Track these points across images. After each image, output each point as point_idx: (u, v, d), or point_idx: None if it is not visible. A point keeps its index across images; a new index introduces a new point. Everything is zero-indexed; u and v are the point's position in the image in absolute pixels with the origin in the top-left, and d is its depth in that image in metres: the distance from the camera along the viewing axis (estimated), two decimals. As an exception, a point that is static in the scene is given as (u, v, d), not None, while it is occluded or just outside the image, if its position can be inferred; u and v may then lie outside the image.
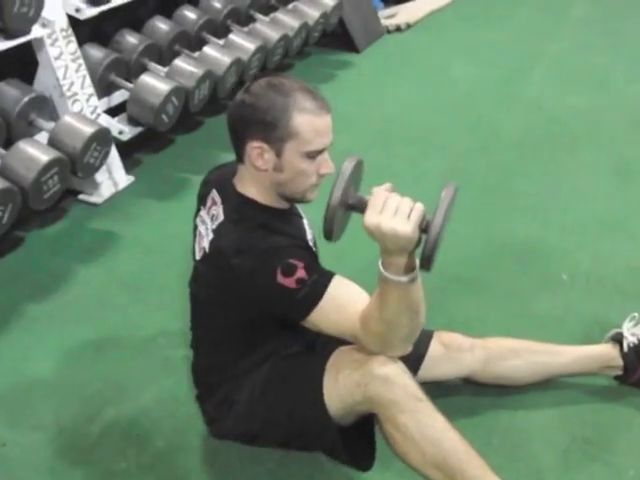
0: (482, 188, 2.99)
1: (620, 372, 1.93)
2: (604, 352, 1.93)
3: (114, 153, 2.84)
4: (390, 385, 1.43)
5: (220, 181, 1.61)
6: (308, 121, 1.41)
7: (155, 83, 2.84)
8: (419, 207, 1.26)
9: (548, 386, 1.94)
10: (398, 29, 5.09)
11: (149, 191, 2.95)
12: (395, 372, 1.44)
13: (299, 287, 1.38)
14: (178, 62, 3.05)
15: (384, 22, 5.08)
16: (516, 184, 3.02)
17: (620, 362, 1.91)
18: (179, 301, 2.28)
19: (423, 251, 1.26)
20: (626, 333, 1.92)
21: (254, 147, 1.44)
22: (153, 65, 3.08)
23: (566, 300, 2.31)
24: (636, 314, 1.95)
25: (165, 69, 3.09)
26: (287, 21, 3.80)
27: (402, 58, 4.59)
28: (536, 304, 2.29)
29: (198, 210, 1.66)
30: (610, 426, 1.86)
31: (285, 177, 1.47)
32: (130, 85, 2.89)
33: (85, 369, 2.03)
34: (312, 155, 1.44)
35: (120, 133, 2.84)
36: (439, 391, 1.87)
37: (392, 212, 1.24)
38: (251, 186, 1.51)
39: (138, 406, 1.89)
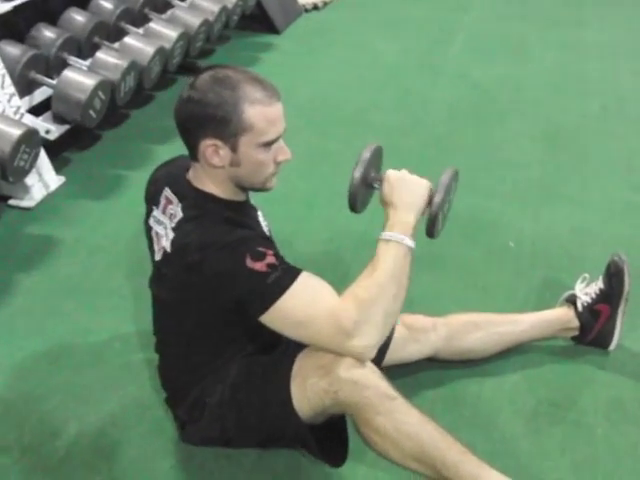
0: (419, 164, 2.95)
1: (577, 333, 1.99)
2: (560, 315, 1.98)
3: (42, 154, 2.72)
4: (361, 388, 1.42)
5: (171, 178, 1.56)
6: (260, 112, 1.38)
7: (80, 78, 2.72)
8: (426, 179, 1.52)
9: (510, 354, 1.98)
10: (315, 8, 5.06)
11: (82, 190, 2.84)
12: (363, 374, 1.42)
13: (270, 271, 1.35)
14: (100, 54, 2.93)
15: (301, 1, 5.04)
16: (452, 157, 3.05)
17: (576, 323, 1.97)
18: (130, 302, 2.22)
19: (428, 218, 1.49)
20: (579, 294, 1.98)
21: (208, 145, 1.40)
22: (74, 59, 2.96)
23: (515, 268, 2.37)
24: (587, 274, 2.01)
25: (86, 62, 2.97)
26: (206, 5, 3.71)
27: (323, 37, 4.57)
28: (487, 274, 2.33)
29: (150, 210, 1.58)
30: (573, 386, 1.92)
31: (243, 171, 1.44)
32: (52, 82, 2.77)
33: (41, 382, 1.93)
34: (268, 145, 1.42)
35: (47, 132, 2.71)
36: (405, 371, 1.90)
37: (407, 173, 1.52)
38: (208, 182, 1.47)
39: (103, 416, 1.82)
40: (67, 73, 2.71)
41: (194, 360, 1.59)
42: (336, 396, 1.42)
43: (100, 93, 2.75)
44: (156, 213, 1.54)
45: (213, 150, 1.40)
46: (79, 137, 3.14)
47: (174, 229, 1.44)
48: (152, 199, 1.58)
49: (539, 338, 1.99)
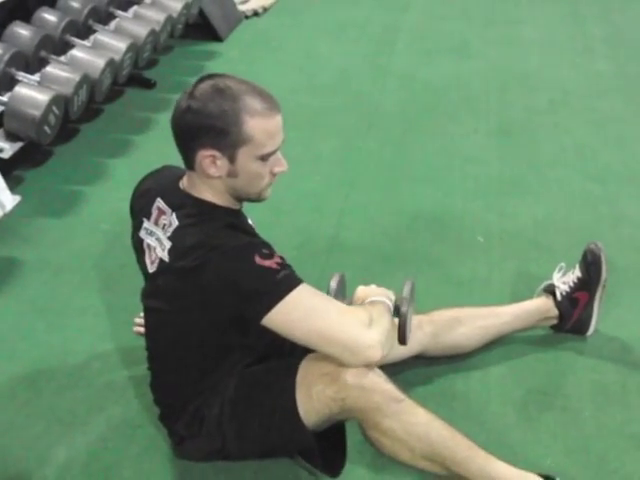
0: (380, 165, 3.04)
1: (555, 321, 2.04)
2: (540, 305, 2.03)
3: (-4, 173, 2.63)
4: (368, 393, 1.42)
5: (162, 189, 1.53)
6: (260, 125, 1.37)
7: (32, 94, 2.64)
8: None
9: (492, 346, 2.02)
10: (255, 14, 5.03)
11: (40, 209, 2.75)
12: (370, 379, 1.43)
13: (279, 268, 1.35)
14: (50, 69, 2.85)
15: (240, 7, 5.01)
16: (411, 157, 3.09)
17: (555, 312, 2.02)
18: (105, 320, 2.16)
19: (398, 326, 1.54)
20: (557, 283, 2.02)
21: (205, 155, 1.38)
22: (22, 74, 2.86)
23: (487, 261, 2.41)
24: (563, 264, 2.06)
25: (35, 77, 2.88)
26: (151, 15, 3.65)
27: (267, 43, 4.55)
28: (460, 270, 2.37)
29: (140, 223, 1.55)
30: (557, 373, 1.96)
31: (240, 182, 1.43)
32: (3, 99, 2.68)
33: (21, 409, 1.86)
34: (266, 157, 1.41)
35: (0, 151, 2.62)
36: (393, 370, 1.89)
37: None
38: (205, 191, 1.45)
39: (92, 438, 1.77)
40: (19, 89, 2.63)
41: (191, 374, 1.56)
42: (344, 403, 1.42)
43: (54, 108, 2.68)
44: (147, 225, 1.51)
45: (210, 161, 1.38)
46: (31, 154, 3.04)
47: (170, 238, 1.41)
48: (141, 211, 1.55)
49: (520, 329, 2.03)
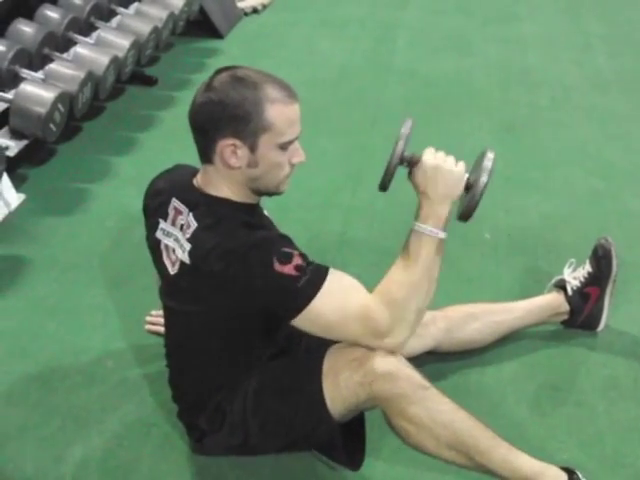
0: (385, 161, 3.03)
1: (567, 317, 2.05)
2: (551, 300, 2.04)
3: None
4: (395, 380, 1.42)
5: (177, 188, 1.53)
6: (280, 112, 1.37)
7: (38, 91, 2.63)
8: (462, 163, 1.46)
9: (505, 342, 2.03)
10: (255, 11, 5.03)
11: (46, 207, 2.74)
12: (397, 366, 1.43)
13: (299, 274, 1.34)
14: (55, 66, 2.84)
15: (239, 5, 5.00)
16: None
17: (566, 307, 2.03)
18: (116, 318, 2.16)
19: (468, 203, 1.45)
20: (568, 278, 2.03)
21: (227, 145, 1.38)
22: (26, 72, 2.85)
23: (495, 258, 2.42)
24: (573, 259, 2.07)
25: (39, 75, 2.87)
26: (154, 12, 3.64)
27: (268, 40, 4.55)
28: (469, 267, 2.37)
29: (156, 223, 1.54)
30: (569, 369, 1.98)
31: (259, 171, 1.42)
32: (8, 96, 2.67)
33: (35, 408, 1.86)
34: (285, 146, 1.41)
35: (6, 149, 2.61)
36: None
37: (444, 158, 1.44)
38: (222, 185, 1.45)
39: (107, 436, 1.77)
40: (25, 86, 2.62)
41: (212, 370, 1.56)
42: (371, 389, 1.42)
43: (60, 106, 2.67)
44: (164, 225, 1.50)
45: (231, 150, 1.38)
46: (34, 152, 3.03)
47: (190, 240, 1.41)
48: (157, 211, 1.54)
49: (532, 324, 2.04)
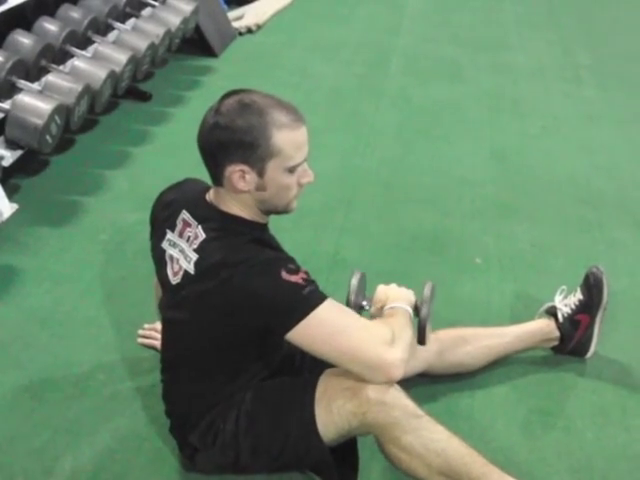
0: (379, 184, 3.07)
1: (557, 343, 2.07)
2: (542, 326, 2.07)
3: (-5, 181, 2.61)
4: (389, 409, 1.44)
5: (188, 201, 1.54)
6: (288, 137, 1.39)
7: (36, 102, 2.64)
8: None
9: (495, 366, 2.05)
10: (249, 31, 5.07)
11: (39, 218, 2.74)
12: (391, 395, 1.45)
13: (305, 284, 1.36)
14: (52, 78, 2.85)
15: (234, 24, 5.05)
16: (408, 177, 3.13)
17: (557, 333, 2.05)
18: (109, 331, 2.16)
19: (418, 328, 1.61)
20: (559, 305, 2.06)
21: (235, 170, 1.40)
22: (23, 83, 2.85)
23: (486, 283, 2.44)
24: (564, 286, 2.10)
25: (36, 86, 2.88)
26: (151, 29, 3.66)
27: (261, 60, 4.58)
28: (460, 291, 2.40)
29: (163, 234, 1.56)
30: (559, 394, 2.00)
31: (268, 194, 1.44)
32: (5, 106, 2.67)
33: (25, 419, 1.85)
34: (293, 169, 1.43)
35: (1, 159, 2.61)
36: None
37: (392, 286, 1.64)
38: (233, 205, 1.47)
39: (99, 449, 1.76)
40: (22, 97, 2.62)
41: (207, 385, 1.57)
42: (364, 417, 1.44)
43: (56, 118, 2.68)
44: (170, 236, 1.52)
45: (240, 175, 1.40)
46: (27, 163, 3.03)
47: (197, 250, 1.42)
48: (165, 222, 1.55)
49: (522, 349, 2.06)
